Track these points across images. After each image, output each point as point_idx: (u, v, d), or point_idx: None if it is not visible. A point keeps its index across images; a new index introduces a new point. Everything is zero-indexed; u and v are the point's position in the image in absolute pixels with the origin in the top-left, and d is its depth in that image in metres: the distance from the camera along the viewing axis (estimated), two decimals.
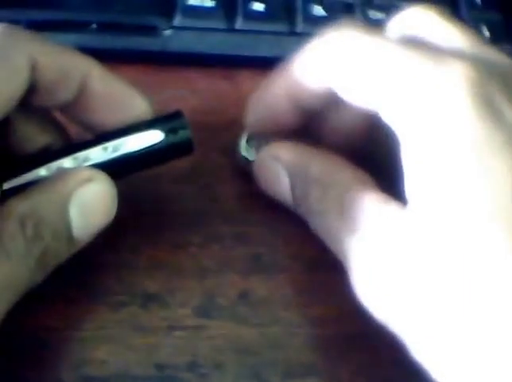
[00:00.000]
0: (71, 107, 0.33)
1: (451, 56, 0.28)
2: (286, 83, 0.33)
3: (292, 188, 0.33)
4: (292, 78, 0.33)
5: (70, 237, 0.30)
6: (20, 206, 0.29)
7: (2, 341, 0.30)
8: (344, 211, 0.30)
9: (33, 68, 0.30)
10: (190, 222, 0.36)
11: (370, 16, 0.44)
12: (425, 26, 0.32)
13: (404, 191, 0.28)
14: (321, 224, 0.32)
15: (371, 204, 0.30)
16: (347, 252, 0.30)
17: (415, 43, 0.30)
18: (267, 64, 0.42)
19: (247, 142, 0.37)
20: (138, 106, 0.33)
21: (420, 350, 0.27)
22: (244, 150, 0.37)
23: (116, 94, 0.33)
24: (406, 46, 0.29)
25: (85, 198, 0.30)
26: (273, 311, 0.33)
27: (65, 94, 0.32)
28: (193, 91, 0.42)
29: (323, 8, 0.44)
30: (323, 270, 0.34)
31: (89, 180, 0.30)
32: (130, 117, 0.33)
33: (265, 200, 0.37)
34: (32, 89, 0.31)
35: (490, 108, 0.26)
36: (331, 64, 0.31)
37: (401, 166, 0.28)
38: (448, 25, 0.31)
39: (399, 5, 0.45)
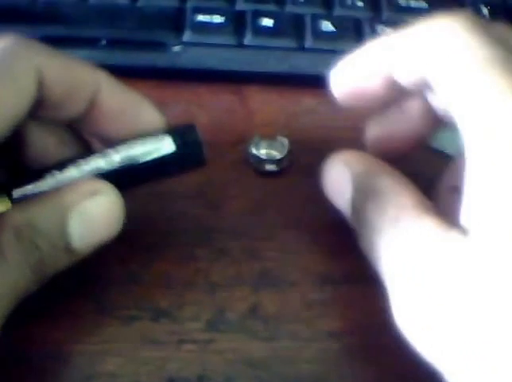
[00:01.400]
0: (82, 121, 0.33)
1: None
2: (383, 55, 0.32)
3: (353, 196, 0.32)
4: (391, 51, 0.31)
5: (69, 248, 0.30)
6: (16, 218, 0.29)
7: (12, 355, 0.30)
8: (399, 231, 0.29)
9: (40, 84, 0.30)
10: (199, 237, 0.36)
11: (379, 31, 0.44)
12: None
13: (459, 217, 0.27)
14: (371, 240, 0.30)
15: (429, 230, 0.28)
16: (393, 275, 0.29)
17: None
18: (276, 79, 0.43)
19: (258, 141, 0.38)
20: (151, 117, 0.33)
21: None
22: (255, 149, 0.38)
23: (128, 106, 0.33)
24: (503, 61, 0.27)
25: (87, 211, 0.30)
26: (282, 325, 0.33)
27: (74, 108, 0.32)
28: (202, 107, 0.42)
29: (332, 23, 0.44)
30: (332, 283, 0.34)
31: (94, 192, 0.30)
32: (143, 129, 0.33)
33: (273, 215, 0.37)
34: (39, 104, 0.30)
35: None
36: (426, 50, 0.29)
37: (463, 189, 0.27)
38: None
39: (407, 19, 0.46)
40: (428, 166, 0.35)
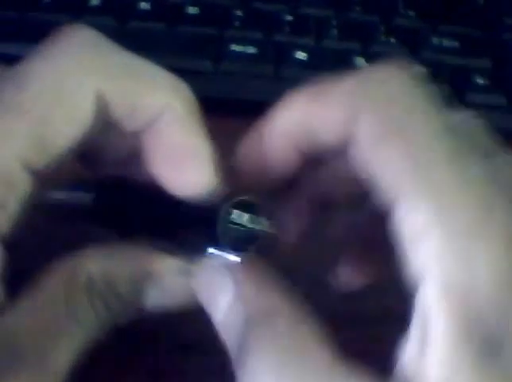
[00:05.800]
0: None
1: None
2: (299, 112, 0.28)
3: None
4: (308, 106, 0.27)
5: (140, 309, 0.28)
6: (92, 268, 0.27)
7: None
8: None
9: (99, 109, 0.26)
10: None
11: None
12: None
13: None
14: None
15: (319, 365, 0.24)
16: None
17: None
18: None
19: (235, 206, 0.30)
20: (201, 177, 0.28)
21: None
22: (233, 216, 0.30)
23: (186, 151, 0.28)
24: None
25: (170, 287, 0.28)
26: None
27: (128, 128, 0.28)
28: (236, 137, 0.42)
29: (366, 60, 0.45)
30: (362, 324, 0.35)
31: (183, 271, 0.28)
32: (187, 187, 0.28)
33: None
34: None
35: None
36: (358, 102, 0.25)
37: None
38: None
39: (441, 59, 0.46)
40: None
